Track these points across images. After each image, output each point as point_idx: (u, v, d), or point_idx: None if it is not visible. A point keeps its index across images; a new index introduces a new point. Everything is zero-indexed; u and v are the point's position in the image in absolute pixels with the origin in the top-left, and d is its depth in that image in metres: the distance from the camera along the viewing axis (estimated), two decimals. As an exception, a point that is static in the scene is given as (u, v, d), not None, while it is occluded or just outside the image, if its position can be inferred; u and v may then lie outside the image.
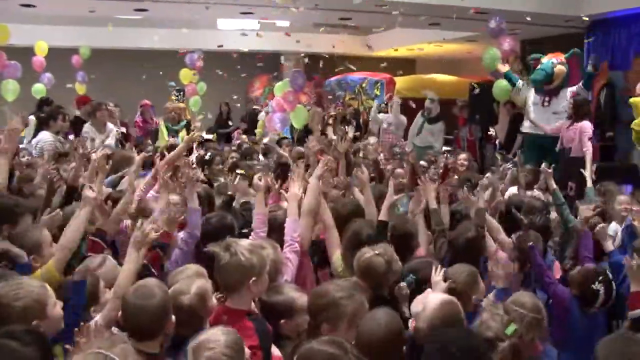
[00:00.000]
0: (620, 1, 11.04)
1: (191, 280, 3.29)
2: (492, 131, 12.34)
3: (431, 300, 3.18)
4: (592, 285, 3.90)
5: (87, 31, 15.96)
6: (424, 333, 3.03)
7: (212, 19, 15.02)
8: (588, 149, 8.91)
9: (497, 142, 12.66)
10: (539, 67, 9.80)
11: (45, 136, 9.18)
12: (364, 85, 16.43)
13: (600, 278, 3.96)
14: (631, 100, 8.42)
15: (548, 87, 9.46)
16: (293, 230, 4.32)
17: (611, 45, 12.00)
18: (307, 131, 11.76)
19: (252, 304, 3.42)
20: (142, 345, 2.89)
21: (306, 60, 15.12)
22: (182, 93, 14.77)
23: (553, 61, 9.53)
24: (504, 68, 9.89)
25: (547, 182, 6.22)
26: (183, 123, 10.90)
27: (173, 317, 3.03)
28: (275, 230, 4.52)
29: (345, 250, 4.28)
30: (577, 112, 9.11)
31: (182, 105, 11.14)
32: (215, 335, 2.65)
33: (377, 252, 3.72)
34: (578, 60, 10.18)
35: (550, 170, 6.10)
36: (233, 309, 3.24)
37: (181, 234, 4.57)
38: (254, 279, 3.22)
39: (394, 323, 3.02)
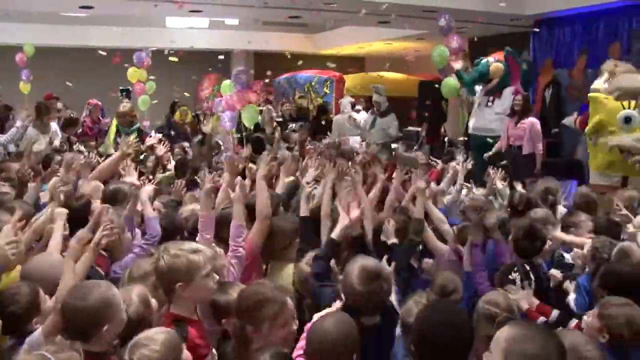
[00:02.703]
0: (564, 1, 11.26)
1: (129, 289, 3.22)
2: (442, 128, 12.48)
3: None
4: (509, 276, 3.92)
5: (32, 28, 15.66)
6: None
7: (161, 17, 14.89)
8: (540, 147, 9.12)
9: (446, 139, 12.82)
10: (474, 68, 9.97)
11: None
12: (313, 83, 16.46)
13: (516, 268, 3.99)
14: (591, 95, 8.43)
15: (487, 88, 9.56)
16: (236, 236, 4.21)
17: (556, 43, 12.25)
18: (256, 130, 11.72)
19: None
20: (86, 345, 2.85)
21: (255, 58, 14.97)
22: (125, 93, 14.46)
23: (489, 60, 9.66)
24: (457, 65, 9.94)
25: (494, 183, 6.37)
26: (136, 126, 10.72)
27: (122, 316, 2.98)
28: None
29: None
30: (525, 108, 9.27)
31: (132, 112, 10.88)
32: (153, 334, 2.69)
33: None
34: (517, 63, 10.30)
35: (497, 172, 6.27)
36: (170, 312, 3.20)
37: (137, 240, 4.53)
38: (180, 283, 3.13)
39: (345, 328, 2.95)
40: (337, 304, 3.38)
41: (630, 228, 4.76)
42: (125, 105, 11.56)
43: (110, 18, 14.55)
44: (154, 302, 3.28)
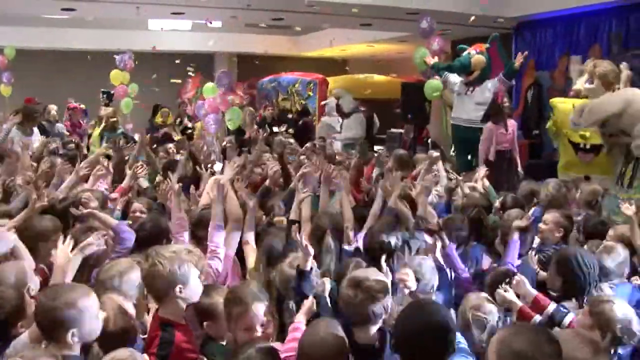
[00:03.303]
0: (546, 3, 11.36)
1: (104, 306, 3.13)
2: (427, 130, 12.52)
3: None
4: (499, 287, 3.87)
5: (13, 31, 15.57)
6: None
7: (143, 20, 14.83)
8: (516, 148, 9.23)
9: (429, 140, 12.85)
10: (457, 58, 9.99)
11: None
12: (296, 85, 16.44)
13: (508, 280, 3.96)
14: (551, 100, 8.63)
15: (468, 79, 9.58)
16: (214, 236, 4.21)
17: (537, 45, 12.34)
18: (239, 132, 11.72)
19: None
20: (55, 348, 2.82)
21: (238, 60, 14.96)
22: (106, 95, 14.32)
23: (471, 52, 9.67)
24: (430, 60, 9.95)
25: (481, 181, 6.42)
26: (120, 131, 10.67)
27: (95, 324, 2.93)
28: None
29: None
30: (504, 112, 9.37)
31: (113, 118, 10.79)
32: (121, 355, 2.70)
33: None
34: (499, 52, 10.33)
35: (484, 171, 6.32)
36: (160, 316, 3.17)
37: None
38: (179, 286, 3.12)
39: (334, 334, 2.96)
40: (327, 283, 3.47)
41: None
42: (106, 109, 11.55)
43: (92, 20, 14.47)
44: (130, 307, 3.27)
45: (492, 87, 9.47)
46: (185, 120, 14.40)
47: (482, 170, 6.93)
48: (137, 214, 5.38)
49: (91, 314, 2.88)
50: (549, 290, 4.08)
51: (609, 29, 10.93)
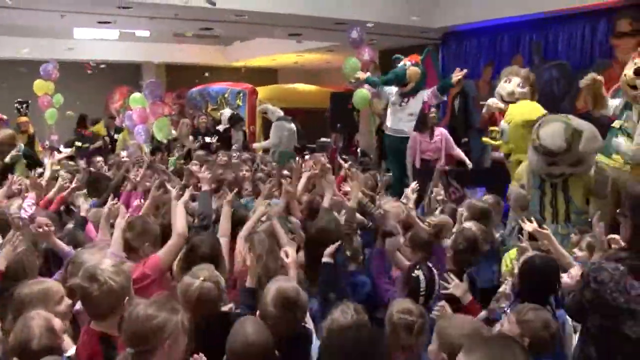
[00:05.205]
0: (471, 15, 11.62)
1: (32, 321, 3.06)
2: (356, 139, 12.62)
3: None
4: (412, 274, 3.96)
5: None
6: None
7: (69, 28, 14.55)
8: (459, 151, 9.39)
9: (358, 149, 12.96)
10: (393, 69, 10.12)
11: None
12: (226, 95, 16.37)
13: (418, 266, 4.06)
14: (503, 126, 8.63)
15: (402, 90, 9.69)
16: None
17: (463, 55, 12.60)
18: (169, 143, 11.60)
19: None
20: None
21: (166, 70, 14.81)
22: (24, 106, 13.88)
23: (406, 63, 9.78)
24: (364, 75, 10.04)
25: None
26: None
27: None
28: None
29: None
30: (427, 121, 9.53)
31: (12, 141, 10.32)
32: None
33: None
34: (434, 64, 10.53)
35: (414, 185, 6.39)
36: (96, 330, 3.12)
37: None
38: (127, 298, 3.13)
39: (262, 332, 3.02)
40: None
41: None
42: (20, 120, 11.25)
43: (15, 28, 14.12)
44: (58, 323, 3.19)
45: (425, 99, 9.61)
46: (112, 132, 14.16)
47: (412, 185, 7.01)
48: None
49: None
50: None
51: (530, 40, 11.26)
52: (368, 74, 10.13)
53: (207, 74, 16.37)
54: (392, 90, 9.80)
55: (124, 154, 10.37)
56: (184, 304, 3.25)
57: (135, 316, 2.80)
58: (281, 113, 12.25)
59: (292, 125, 12.05)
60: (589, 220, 6.63)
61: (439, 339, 2.96)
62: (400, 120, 9.70)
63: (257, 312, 3.31)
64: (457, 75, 9.09)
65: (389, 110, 10.03)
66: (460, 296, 3.84)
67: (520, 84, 8.25)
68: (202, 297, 3.40)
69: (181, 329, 2.82)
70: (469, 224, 4.91)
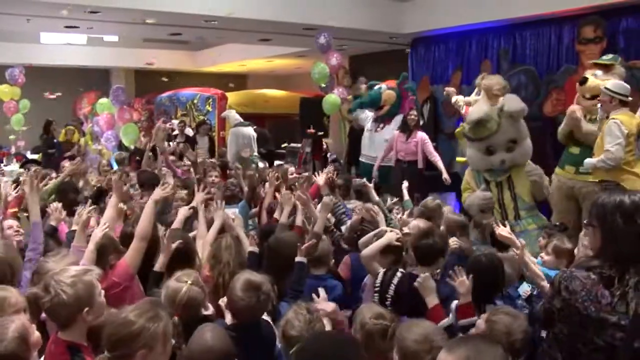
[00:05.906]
0: (439, 20, 11.69)
1: (10, 324, 2.94)
2: (325, 144, 12.61)
3: None
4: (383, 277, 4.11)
5: None
6: None
7: (35, 33, 14.39)
8: (437, 156, 9.42)
9: (329, 154, 12.97)
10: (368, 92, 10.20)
11: None
12: (195, 101, 16.31)
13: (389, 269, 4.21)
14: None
15: (378, 114, 9.71)
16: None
17: (432, 61, 12.68)
18: (137, 149, 11.50)
19: None
20: None
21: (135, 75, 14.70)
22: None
23: (382, 87, 9.82)
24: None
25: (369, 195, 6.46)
26: None
27: None
28: None
29: None
30: (417, 123, 9.56)
31: None
32: None
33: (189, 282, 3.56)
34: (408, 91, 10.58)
35: (370, 185, 6.42)
36: (64, 340, 3.07)
37: (27, 253, 4.38)
38: (86, 309, 3.05)
39: (221, 338, 3.02)
40: None
41: None
42: None
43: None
44: (35, 336, 3.12)
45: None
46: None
47: (405, 183, 7.13)
48: (9, 231, 5.09)
49: None
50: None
51: (498, 45, 11.36)
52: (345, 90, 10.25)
53: (164, 79, 16.29)
54: (367, 115, 9.86)
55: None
56: (170, 308, 3.26)
57: (115, 320, 2.82)
58: (240, 119, 12.08)
59: (249, 130, 11.87)
60: (538, 214, 6.89)
61: (396, 342, 3.03)
62: (375, 145, 9.75)
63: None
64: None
65: (364, 135, 10.09)
66: (463, 294, 3.82)
67: (477, 92, 8.34)
68: (189, 302, 3.46)
69: (160, 338, 2.78)
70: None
